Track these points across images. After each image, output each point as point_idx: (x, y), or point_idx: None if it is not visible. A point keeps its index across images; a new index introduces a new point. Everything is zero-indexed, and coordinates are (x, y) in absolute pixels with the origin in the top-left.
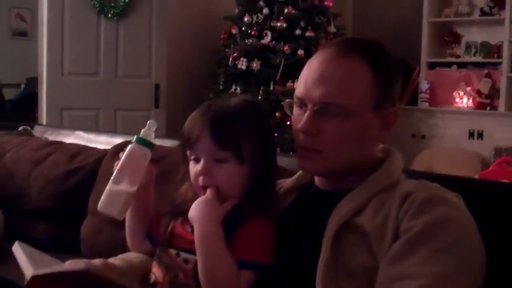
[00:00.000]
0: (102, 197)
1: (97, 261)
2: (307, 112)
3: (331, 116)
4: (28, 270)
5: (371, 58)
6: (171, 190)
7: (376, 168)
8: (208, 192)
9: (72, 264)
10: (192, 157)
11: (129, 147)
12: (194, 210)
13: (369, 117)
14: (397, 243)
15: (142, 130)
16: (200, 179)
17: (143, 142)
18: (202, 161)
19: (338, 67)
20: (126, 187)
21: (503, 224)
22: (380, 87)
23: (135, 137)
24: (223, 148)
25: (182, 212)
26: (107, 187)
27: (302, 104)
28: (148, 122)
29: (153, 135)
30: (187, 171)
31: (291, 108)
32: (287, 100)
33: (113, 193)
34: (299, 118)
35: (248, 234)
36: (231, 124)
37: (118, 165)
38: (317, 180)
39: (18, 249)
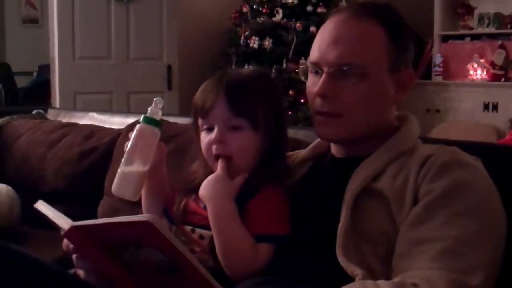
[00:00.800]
0: (115, 180)
1: None
2: (323, 75)
3: (347, 78)
4: (62, 220)
5: (384, 20)
6: (185, 167)
7: (393, 134)
8: (219, 169)
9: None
10: (205, 126)
11: (137, 127)
12: (205, 189)
13: (385, 78)
14: (417, 206)
15: (149, 109)
16: (214, 147)
17: (150, 121)
18: (216, 129)
19: (352, 29)
20: (137, 167)
21: None
22: (395, 48)
23: (142, 116)
24: (239, 115)
25: (194, 189)
26: (119, 169)
27: (318, 68)
28: (154, 99)
29: (160, 113)
30: (198, 144)
31: (306, 74)
32: (301, 66)
33: (125, 175)
34: (314, 84)
35: (261, 206)
36: (247, 91)
37: (128, 146)
38: (333, 148)
39: (42, 205)
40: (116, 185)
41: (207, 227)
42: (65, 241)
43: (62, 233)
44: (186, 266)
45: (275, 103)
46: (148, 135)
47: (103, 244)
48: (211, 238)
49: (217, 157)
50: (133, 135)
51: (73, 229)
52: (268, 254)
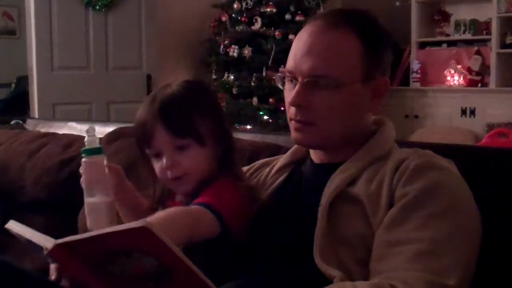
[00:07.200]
0: (86, 216)
1: None
2: (297, 86)
3: (321, 89)
4: (42, 239)
5: (359, 29)
6: None
7: (369, 140)
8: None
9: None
10: (152, 153)
11: (82, 162)
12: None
13: (359, 87)
14: (392, 209)
15: (85, 140)
16: (168, 173)
17: (90, 151)
18: (164, 156)
19: (326, 39)
20: (100, 198)
21: (496, 189)
22: (370, 57)
23: (81, 150)
24: (182, 137)
25: (166, 198)
26: (85, 205)
27: (293, 77)
28: (86, 130)
29: (97, 140)
30: (151, 169)
31: (283, 81)
32: (278, 74)
33: (93, 209)
34: (290, 91)
35: (208, 189)
36: (182, 110)
37: (83, 182)
38: (312, 153)
39: (15, 224)
40: (90, 221)
41: None
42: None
43: (45, 252)
44: (179, 268)
45: (213, 111)
46: (95, 166)
47: (89, 259)
48: (183, 247)
49: (175, 179)
50: (82, 170)
51: (56, 247)
52: (206, 218)
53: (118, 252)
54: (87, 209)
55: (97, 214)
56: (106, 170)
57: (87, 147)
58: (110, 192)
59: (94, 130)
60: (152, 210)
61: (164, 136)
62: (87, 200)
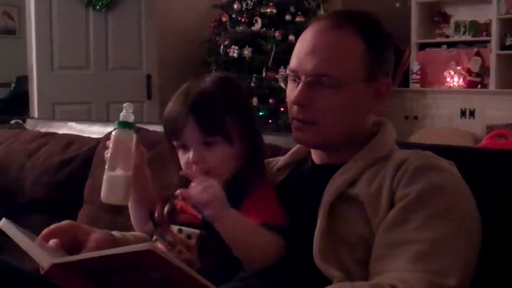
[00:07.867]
0: (103, 187)
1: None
2: (300, 84)
3: (323, 88)
4: (39, 255)
5: (363, 30)
6: (168, 175)
7: (370, 141)
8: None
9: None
10: (180, 145)
11: (113, 133)
12: (203, 197)
13: (361, 88)
14: (393, 210)
15: (121, 114)
16: (194, 167)
17: (125, 124)
18: (192, 150)
19: (330, 39)
20: (122, 172)
21: (496, 190)
22: (372, 58)
23: (116, 122)
24: (211, 134)
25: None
26: (104, 176)
27: (296, 76)
28: (124, 105)
29: (132, 117)
30: (176, 160)
31: (285, 80)
32: (281, 73)
33: (112, 180)
34: (293, 91)
35: (255, 203)
36: (214, 108)
37: (108, 153)
38: (313, 154)
39: (8, 227)
40: (105, 192)
41: (195, 226)
42: None
43: (41, 271)
44: (181, 278)
45: (244, 110)
46: (125, 139)
47: (86, 274)
48: (199, 237)
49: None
50: (111, 141)
51: (53, 266)
52: (280, 243)
53: (119, 268)
54: (105, 181)
55: (114, 188)
56: (133, 148)
57: (121, 120)
58: (131, 169)
59: (131, 107)
60: (161, 202)
61: (193, 132)
62: (108, 172)
